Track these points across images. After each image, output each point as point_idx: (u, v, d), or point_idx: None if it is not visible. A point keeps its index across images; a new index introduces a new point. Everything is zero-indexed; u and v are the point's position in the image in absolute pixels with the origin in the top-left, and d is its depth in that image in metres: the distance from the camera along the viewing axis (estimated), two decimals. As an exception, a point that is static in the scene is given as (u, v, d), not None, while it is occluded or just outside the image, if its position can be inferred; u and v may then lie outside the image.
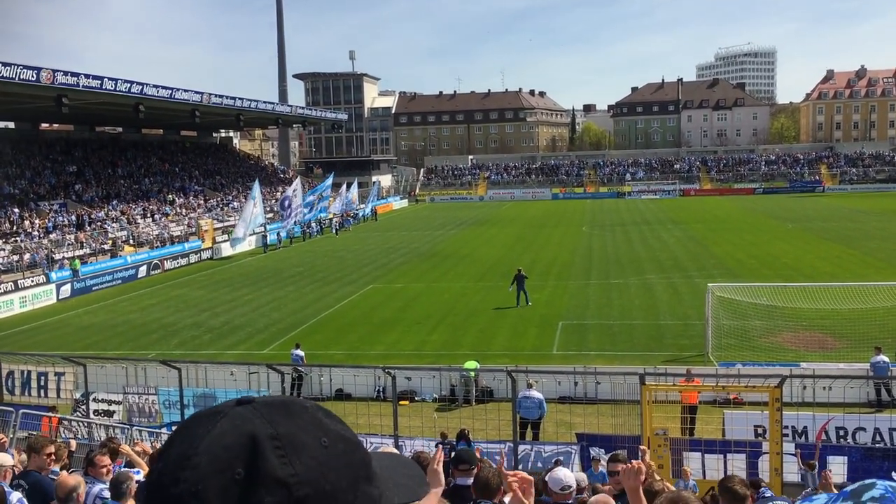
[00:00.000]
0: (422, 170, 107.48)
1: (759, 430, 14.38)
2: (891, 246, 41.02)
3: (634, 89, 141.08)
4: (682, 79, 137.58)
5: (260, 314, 30.47)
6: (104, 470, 6.88)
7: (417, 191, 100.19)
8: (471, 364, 19.21)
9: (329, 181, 65.22)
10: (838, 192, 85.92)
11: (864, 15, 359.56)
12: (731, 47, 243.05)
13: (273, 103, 72.79)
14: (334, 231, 61.75)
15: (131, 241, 46.46)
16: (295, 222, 56.30)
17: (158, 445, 11.24)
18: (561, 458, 13.48)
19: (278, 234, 53.97)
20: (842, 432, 14.75)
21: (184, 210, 56.48)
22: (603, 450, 12.93)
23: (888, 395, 17.58)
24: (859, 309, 21.56)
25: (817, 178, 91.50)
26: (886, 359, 18.01)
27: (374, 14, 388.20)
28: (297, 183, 59.22)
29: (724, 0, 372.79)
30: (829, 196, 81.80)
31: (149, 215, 52.40)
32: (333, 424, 1.13)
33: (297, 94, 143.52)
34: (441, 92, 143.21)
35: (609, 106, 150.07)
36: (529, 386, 16.20)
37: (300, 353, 20.70)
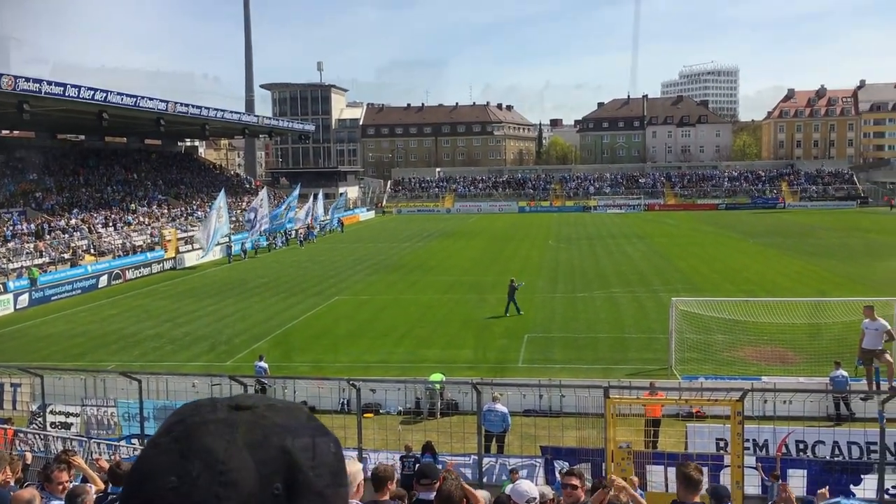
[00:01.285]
0: (389, 182, 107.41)
1: (721, 443, 14.52)
2: (849, 262, 41.82)
3: (601, 105, 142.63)
4: (647, 95, 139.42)
5: (223, 325, 30.13)
6: (60, 487, 6.72)
7: (384, 202, 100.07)
8: (436, 376, 19.15)
9: (296, 192, 64.87)
10: (798, 208, 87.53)
11: (824, 37, 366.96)
12: (695, 65, 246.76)
13: (240, 113, 72.32)
14: (300, 242, 61.37)
15: (92, 251, 45.72)
16: (260, 233, 55.89)
17: (118, 458, 11.02)
18: (525, 470, 13.48)
19: (243, 244, 53.50)
20: (801, 445, 14.94)
21: (147, 219, 55.74)
22: (567, 462, 12.96)
23: (846, 409, 17.86)
24: (818, 324, 21.91)
25: (778, 194, 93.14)
26: (845, 373, 18.31)
27: (342, 26, 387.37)
28: (263, 193, 58.84)
29: (688, 19, 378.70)
30: (789, 212, 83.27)
31: (111, 224, 51.63)
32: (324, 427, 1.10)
33: (265, 105, 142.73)
34: (409, 104, 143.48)
35: (575, 121, 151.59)
36: (495, 399, 16.19)
37: (264, 364, 20.47)
